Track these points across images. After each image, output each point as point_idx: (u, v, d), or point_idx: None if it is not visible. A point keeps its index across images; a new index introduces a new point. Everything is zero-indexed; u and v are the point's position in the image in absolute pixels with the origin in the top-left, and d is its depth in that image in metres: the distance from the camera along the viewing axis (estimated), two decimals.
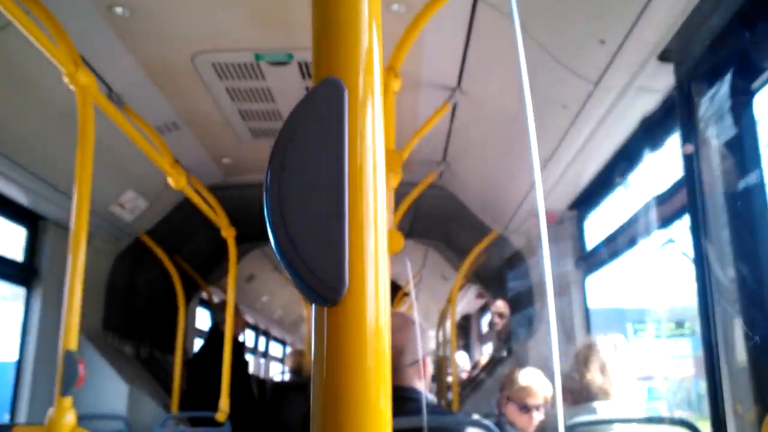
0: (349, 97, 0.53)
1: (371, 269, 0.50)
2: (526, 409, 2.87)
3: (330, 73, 0.54)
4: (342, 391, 0.48)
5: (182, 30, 2.48)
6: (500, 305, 5.04)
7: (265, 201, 0.50)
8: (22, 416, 3.26)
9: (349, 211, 0.50)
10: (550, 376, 2.95)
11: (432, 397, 2.17)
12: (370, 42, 0.56)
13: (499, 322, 5.01)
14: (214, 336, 4.53)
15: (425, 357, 2.07)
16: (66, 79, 2.03)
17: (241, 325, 4.97)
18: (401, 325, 2.07)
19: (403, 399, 1.95)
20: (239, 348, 4.83)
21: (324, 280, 0.49)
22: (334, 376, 0.49)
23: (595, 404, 2.02)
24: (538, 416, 2.87)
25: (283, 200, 0.50)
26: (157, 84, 2.89)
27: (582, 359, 2.12)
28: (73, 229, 1.96)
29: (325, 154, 0.51)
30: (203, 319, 6.23)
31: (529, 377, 2.93)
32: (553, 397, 2.29)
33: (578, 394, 2.09)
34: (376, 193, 0.52)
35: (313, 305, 0.50)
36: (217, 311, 4.74)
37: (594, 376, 2.07)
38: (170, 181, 3.07)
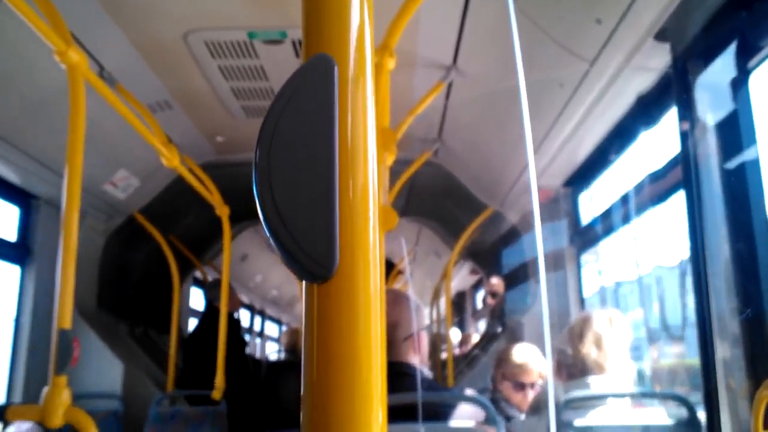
0: (340, 74, 0.52)
1: (362, 245, 0.50)
2: (521, 386, 2.88)
3: (321, 49, 0.53)
4: (333, 369, 0.48)
5: (174, 7, 2.45)
6: (494, 283, 5.05)
7: (254, 177, 0.49)
8: (17, 396, 3.26)
9: (340, 187, 0.50)
10: (545, 351, 2.97)
11: (428, 372, 2.18)
12: (362, 18, 0.55)
13: (493, 301, 5.04)
14: (210, 314, 4.54)
15: (420, 332, 2.08)
16: (57, 58, 2.01)
17: (236, 302, 4.98)
18: (393, 301, 2.08)
19: (399, 374, 1.96)
20: (235, 325, 4.84)
21: (314, 257, 0.48)
22: (324, 355, 0.48)
23: (589, 379, 2.02)
24: (533, 393, 2.89)
25: (272, 176, 0.49)
26: (149, 62, 2.86)
27: (577, 333, 2.10)
28: (65, 208, 1.95)
29: (316, 130, 0.51)
30: (197, 299, 6.24)
31: (523, 355, 2.94)
32: (557, 372, 2.31)
33: (573, 368, 2.08)
34: (366, 169, 0.52)
35: (303, 282, 0.50)
36: (210, 289, 4.75)
37: (589, 350, 2.06)
38: (163, 159, 3.05)
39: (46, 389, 1.82)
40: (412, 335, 2.05)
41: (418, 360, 2.06)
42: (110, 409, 3.58)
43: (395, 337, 2.02)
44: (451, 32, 2.60)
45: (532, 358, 2.93)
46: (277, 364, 7.58)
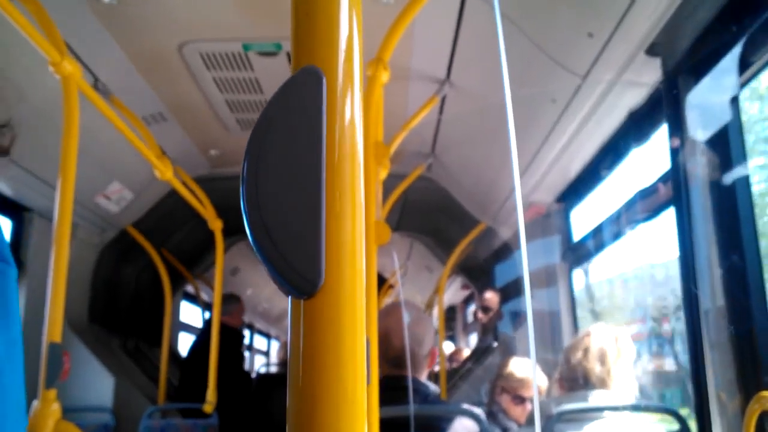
0: (328, 86, 0.52)
1: (349, 261, 0.50)
2: (520, 399, 2.90)
3: (309, 61, 0.53)
4: (318, 384, 0.48)
5: (170, 18, 2.46)
6: (488, 298, 5.04)
7: (242, 191, 0.49)
8: None
9: (327, 202, 0.50)
10: (541, 365, 2.99)
11: (435, 387, 2.23)
12: (351, 30, 0.55)
13: (485, 316, 5.02)
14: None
15: (434, 348, 2.14)
16: (51, 68, 2.01)
17: (240, 318, 4.96)
18: (419, 318, 2.14)
19: (414, 390, 1.99)
20: (239, 340, 4.83)
21: (300, 272, 0.48)
22: (310, 371, 0.48)
23: (588, 392, 2.03)
24: (531, 406, 2.90)
25: (260, 190, 0.49)
26: (143, 74, 2.87)
27: (582, 347, 2.12)
28: (57, 221, 1.95)
29: (303, 143, 0.50)
30: (187, 313, 6.23)
31: (524, 369, 2.96)
32: (556, 385, 2.33)
33: (575, 382, 2.09)
34: (354, 182, 0.51)
35: (289, 298, 0.50)
36: (228, 303, 4.68)
37: (593, 365, 2.07)
38: (156, 172, 3.05)
39: (35, 403, 1.80)
40: (434, 353, 2.11)
41: (425, 376, 2.11)
42: (101, 423, 3.56)
43: (419, 353, 2.07)
44: (444, 46, 2.61)
45: (532, 373, 2.95)
46: (267, 377, 7.55)
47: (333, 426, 0.47)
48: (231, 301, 4.60)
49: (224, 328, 4.00)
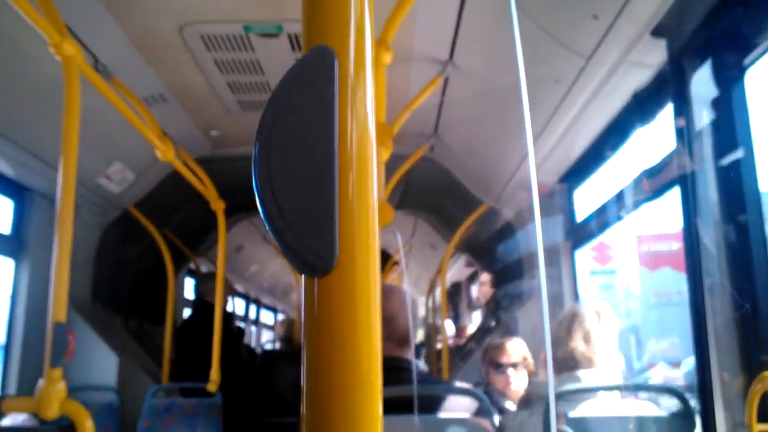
0: (340, 65, 0.52)
1: (362, 239, 0.50)
2: (499, 367, 2.89)
3: (321, 41, 0.53)
4: (332, 361, 0.48)
5: None
6: (482, 280, 5.06)
7: (254, 171, 0.49)
8: (11, 388, 3.26)
9: (340, 180, 0.50)
10: (539, 345, 2.99)
11: (422, 365, 2.25)
12: (361, 9, 0.55)
13: (481, 295, 5.04)
14: (200, 306, 4.55)
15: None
16: (51, 49, 2.00)
17: (227, 293, 4.98)
18: (388, 295, 2.12)
19: (396, 369, 1.99)
20: (227, 318, 4.85)
21: (314, 251, 0.48)
22: (324, 347, 0.49)
23: (579, 373, 2.04)
24: (515, 376, 2.88)
25: (272, 170, 0.49)
26: (144, 55, 2.85)
27: (565, 327, 2.13)
28: (59, 201, 1.94)
29: (315, 122, 0.50)
30: (191, 290, 6.23)
31: (503, 338, 2.97)
32: (544, 365, 2.34)
33: (562, 362, 2.10)
34: (366, 161, 0.51)
35: (303, 276, 0.50)
36: (204, 281, 4.74)
37: (577, 344, 2.08)
38: (158, 153, 3.04)
39: (41, 381, 1.81)
40: (408, 330, 2.08)
41: (410, 354, 2.10)
42: (106, 402, 3.58)
43: (390, 332, 2.05)
44: (447, 27, 2.59)
45: (511, 341, 2.95)
46: (272, 353, 7.58)
47: (348, 402, 0.48)
48: (210, 279, 4.61)
49: (209, 307, 4.02)
